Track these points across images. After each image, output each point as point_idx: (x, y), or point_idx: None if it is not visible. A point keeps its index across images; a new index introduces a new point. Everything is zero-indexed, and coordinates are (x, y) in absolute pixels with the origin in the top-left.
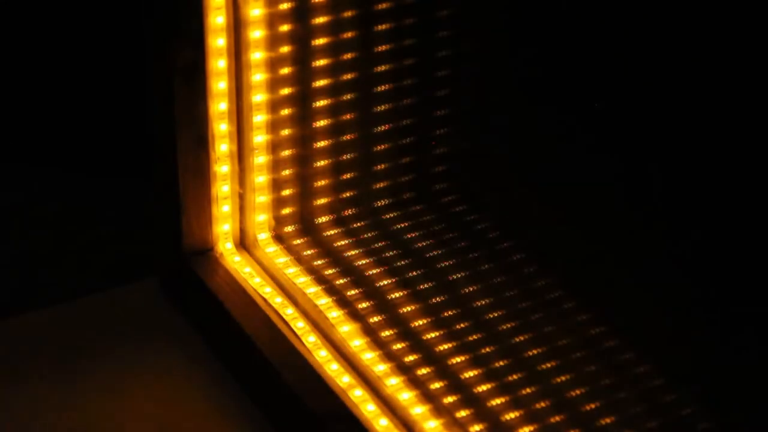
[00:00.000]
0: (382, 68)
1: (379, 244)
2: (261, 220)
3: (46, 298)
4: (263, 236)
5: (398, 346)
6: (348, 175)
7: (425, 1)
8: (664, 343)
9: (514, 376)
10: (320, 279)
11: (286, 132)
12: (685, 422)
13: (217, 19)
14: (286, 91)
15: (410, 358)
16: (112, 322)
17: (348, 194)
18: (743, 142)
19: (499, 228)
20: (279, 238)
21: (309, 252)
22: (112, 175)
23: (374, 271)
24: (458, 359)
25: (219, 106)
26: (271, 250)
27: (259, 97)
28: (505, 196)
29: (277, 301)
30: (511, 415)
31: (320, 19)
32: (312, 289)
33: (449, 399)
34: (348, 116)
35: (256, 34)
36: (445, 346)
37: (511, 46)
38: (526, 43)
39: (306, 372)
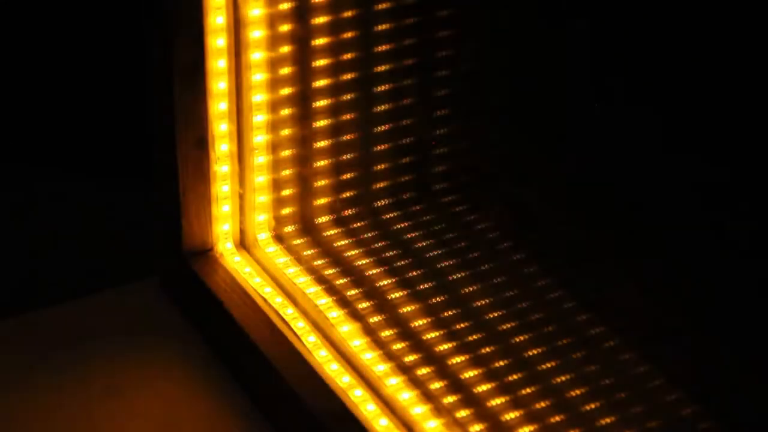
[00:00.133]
0: (382, 68)
1: (379, 244)
2: (261, 220)
3: (46, 298)
4: (263, 236)
5: (398, 346)
6: (348, 175)
7: (425, 1)
8: (664, 343)
9: (514, 376)
10: (320, 279)
11: (286, 132)
12: (685, 422)
13: (217, 19)
14: (286, 91)
15: (410, 358)
16: (112, 322)
17: (348, 194)
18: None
19: (499, 228)
20: (279, 238)
21: (309, 252)
22: (112, 175)
23: (374, 271)
24: (458, 359)
25: (219, 106)
26: (271, 250)
27: (259, 97)
28: (505, 196)
29: (277, 301)
30: (511, 415)
31: (320, 19)
32: (312, 289)
33: (449, 399)
34: (348, 116)
35: (256, 34)
36: (445, 346)
37: (511, 46)
38: (526, 44)
39: (306, 372)
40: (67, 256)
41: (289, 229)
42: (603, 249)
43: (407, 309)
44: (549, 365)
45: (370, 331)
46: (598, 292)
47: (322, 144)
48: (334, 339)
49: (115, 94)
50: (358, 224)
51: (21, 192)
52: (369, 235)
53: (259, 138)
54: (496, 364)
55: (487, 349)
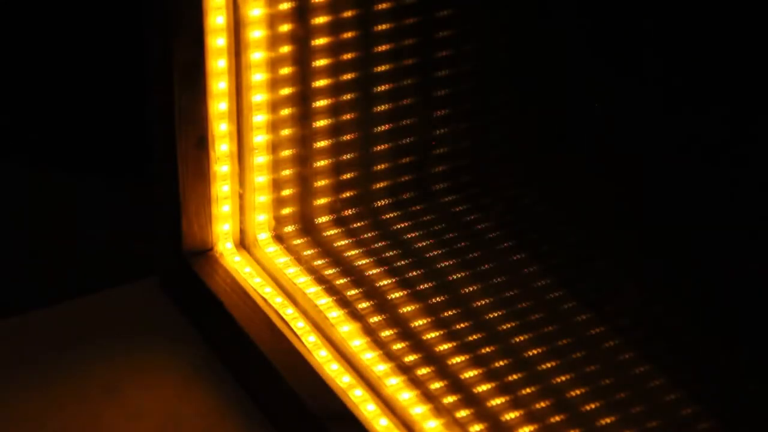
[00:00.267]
0: (382, 68)
1: (379, 244)
2: (261, 220)
3: (46, 298)
4: (263, 236)
5: (398, 346)
6: (348, 175)
7: (425, 1)
8: (664, 343)
9: (514, 376)
10: (320, 279)
11: (286, 132)
12: (685, 422)
13: (217, 19)
14: (286, 91)
15: (410, 358)
16: (112, 322)
17: (348, 194)
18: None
19: (499, 228)
20: (279, 238)
21: (309, 252)
22: (112, 175)
23: (374, 271)
24: (458, 359)
25: (219, 106)
26: (271, 250)
27: (259, 97)
28: (505, 196)
29: (277, 301)
30: (511, 415)
31: (320, 19)
32: (312, 289)
33: (449, 399)
34: (348, 116)
35: (256, 34)
36: (445, 346)
37: (511, 46)
38: (526, 43)
39: (306, 372)
40: (67, 256)
41: (289, 229)
42: (603, 249)
43: (407, 309)
44: (549, 365)
45: (370, 331)
46: (598, 292)
47: (322, 144)
48: (334, 339)
49: (115, 93)
50: (358, 224)
51: (21, 192)
52: (369, 235)
53: (259, 138)
54: (496, 364)
55: (487, 349)
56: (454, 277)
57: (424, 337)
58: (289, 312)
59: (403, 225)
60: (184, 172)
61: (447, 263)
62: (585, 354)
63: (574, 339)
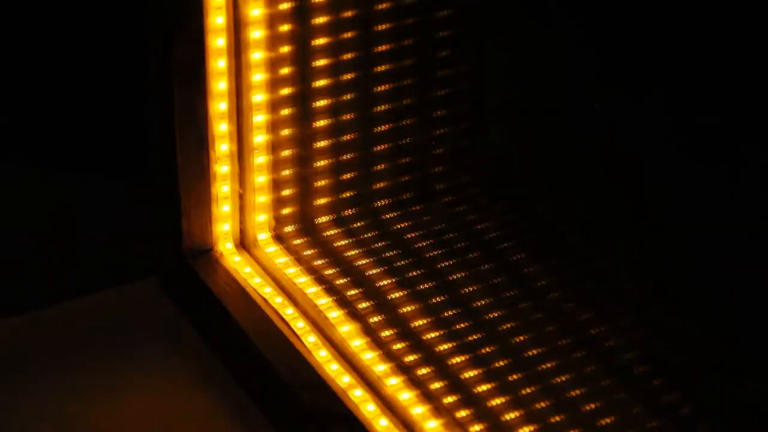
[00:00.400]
0: (382, 68)
1: (379, 244)
2: (261, 220)
3: (46, 298)
4: (263, 236)
5: (398, 346)
6: (348, 175)
7: (425, 1)
8: (664, 343)
9: (514, 376)
10: (320, 279)
11: (286, 132)
12: (685, 422)
13: (217, 19)
14: (286, 91)
15: (410, 358)
16: (112, 322)
17: (348, 194)
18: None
19: (499, 228)
20: (279, 238)
21: (309, 252)
22: (112, 175)
23: (374, 271)
24: (458, 359)
25: (219, 106)
26: (271, 250)
27: (259, 97)
28: (505, 196)
29: (277, 301)
30: (511, 415)
31: (320, 19)
32: (312, 289)
33: (449, 399)
34: (348, 116)
35: (256, 34)
36: (445, 346)
37: (511, 46)
38: (527, 43)
39: (306, 372)
40: (67, 256)
41: (289, 229)
42: (603, 249)
43: (407, 309)
44: (549, 365)
45: (370, 331)
46: (598, 292)
47: (322, 144)
48: (334, 339)
49: (115, 94)
50: (358, 224)
51: (20, 192)
52: (369, 235)
53: (259, 138)
54: (496, 364)
55: (487, 349)
56: (454, 277)
57: (424, 337)
58: (289, 312)
59: (403, 225)
60: (184, 172)
61: (447, 263)
62: (585, 354)
63: (574, 339)
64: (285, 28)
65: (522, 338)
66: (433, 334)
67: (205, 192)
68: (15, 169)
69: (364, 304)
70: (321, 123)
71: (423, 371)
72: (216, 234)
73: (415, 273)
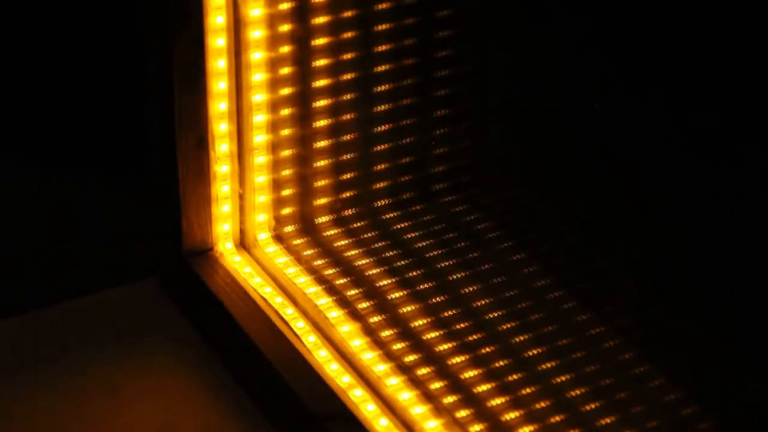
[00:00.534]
0: (382, 68)
1: (379, 244)
2: (261, 220)
3: (46, 298)
4: (263, 236)
5: (398, 346)
6: (348, 175)
7: (425, 1)
8: (664, 343)
9: (514, 376)
10: (320, 279)
11: (286, 132)
12: (685, 422)
13: (217, 19)
14: (286, 91)
15: (410, 358)
16: (112, 322)
17: (348, 194)
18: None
19: (499, 228)
20: (279, 238)
21: (309, 252)
22: (112, 175)
23: (374, 271)
24: (458, 359)
25: (219, 106)
26: (271, 250)
27: (259, 97)
28: (505, 196)
29: (277, 301)
30: (511, 415)
31: (320, 19)
32: (312, 289)
33: (449, 399)
34: (348, 116)
35: (256, 34)
36: (445, 346)
37: (511, 46)
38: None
39: (306, 372)
40: (67, 256)
41: (289, 229)
42: (603, 249)
43: (407, 309)
44: (549, 365)
45: (370, 331)
46: (598, 292)
47: (322, 144)
48: (334, 339)
49: (115, 94)
50: (358, 224)
51: (20, 192)
52: (369, 235)
53: (259, 138)
54: (496, 364)
55: (487, 349)
56: (454, 277)
57: (424, 337)
58: (289, 312)
59: (403, 225)
60: (184, 172)
61: (447, 263)
62: (585, 354)
63: (574, 339)
64: (285, 28)
65: (522, 338)
66: (433, 334)
67: (205, 192)
68: (15, 169)
69: (364, 304)
70: (321, 123)
71: (423, 371)
72: (216, 234)
73: (415, 273)
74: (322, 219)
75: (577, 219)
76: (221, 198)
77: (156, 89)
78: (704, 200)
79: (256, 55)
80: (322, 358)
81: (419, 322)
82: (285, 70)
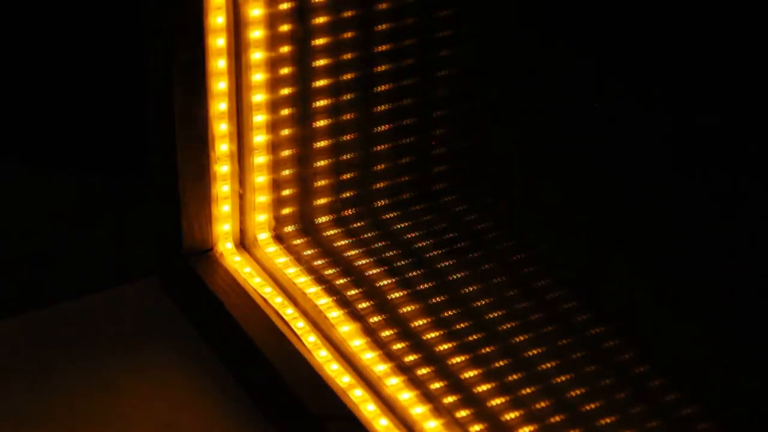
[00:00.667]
0: (382, 68)
1: (379, 244)
2: (261, 220)
3: (46, 298)
4: (263, 236)
5: (398, 346)
6: (348, 175)
7: (425, 1)
8: (664, 343)
9: (514, 376)
10: (320, 279)
11: (286, 132)
12: (685, 422)
13: (217, 19)
14: (286, 91)
15: (410, 358)
16: (112, 322)
17: (348, 194)
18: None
19: (499, 228)
20: (279, 238)
21: (309, 252)
22: (112, 175)
23: (374, 271)
24: (458, 359)
25: (219, 106)
26: (271, 250)
27: (259, 97)
28: (505, 196)
29: (277, 301)
30: (511, 415)
31: (320, 19)
32: (312, 289)
33: (449, 399)
34: (348, 116)
35: (256, 34)
36: (445, 346)
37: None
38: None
39: (306, 372)
40: (67, 255)
41: (289, 229)
42: (603, 249)
43: (407, 309)
44: (549, 365)
45: (370, 331)
46: (598, 292)
47: (322, 144)
48: (334, 339)
49: (116, 93)
50: (358, 224)
51: (20, 191)
52: (369, 235)
53: (259, 138)
54: (496, 364)
55: (487, 349)
56: (454, 277)
57: (424, 337)
58: (289, 312)
59: (403, 225)
60: (184, 172)
61: (447, 263)
62: (585, 354)
63: (574, 339)
64: (285, 28)
65: (522, 338)
66: (433, 334)
67: (205, 192)
68: (15, 169)
69: (364, 304)
70: (321, 123)
71: (423, 371)
72: (216, 234)
73: (415, 273)
74: (322, 219)
75: (577, 219)
76: (221, 198)
77: (156, 89)
78: (704, 200)
79: (256, 55)
80: (322, 358)
81: (419, 322)
82: (285, 70)
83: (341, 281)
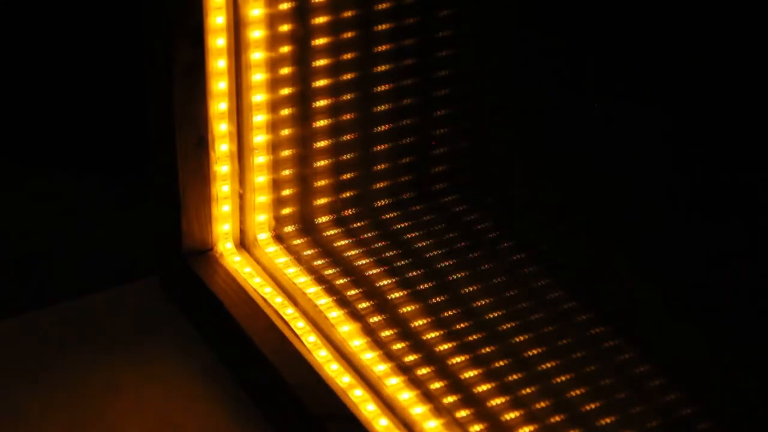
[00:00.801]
0: (382, 68)
1: (379, 244)
2: (261, 220)
3: (46, 298)
4: (263, 236)
5: (398, 346)
6: (348, 175)
7: (425, 1)
8: (664, 343)
9: (514, 376)
10: (320, 279)
11: (286, 132)
12: (685, 422)
13: (217, 19)
14: (286, 91)
15: (410, 358)
16: (112, 322)
17: (348, 194)
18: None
19: (499, 228)
20: (279, 238)
21: (309, 252)
22: (112, 175)
23: (374, 271)
24: (458, 359)
25: (219, 106)
26: (271, 250)
27: (259, 97)
28: (505, 196)
29: (277, 301)
30: (511, 415)
31: (320, 19)
32: (312, 289)
33: (449, 399)
34: (348, 116)
35: (256, 34)
36: (445, 346)
37: (511, 46)
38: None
39: (306, 372)
40: (67, 255)
41: (289, 229)
42: (603, 249)
43: (407, 309)
44: (549, 365)
45: (370, 331)
46: (598, 292)
47: (322, 144)
48: (334, 339)
49: (116, 93)
50: (358, 224)
51: (20, 191)
52: (369, 235)
53: (259, 138)
54: (496, 364)
55: (487, 349)
56: (454, 277)
57: (424, 337)
58: (289, 312)
59: (403, 225)
60: (184, 172)
61: (447, 263)
62: (585, 354)
63: (574, 339)
64: (285, 28)
65: (522, 338)
66: (433, 334)
67: (205, 192)
68: (15, 169)
69: (364, 304)
70: (321, 123)
71: (423, 371)
72: (216, 234)
73: (415, 273)
74: (322, 219)
75: (578, 219)
76: (221, 198)
77: (156, 89)
78: (704, 200)
79: (256, 55)
80: (322, 358)
81: (419, 322)
82: (285, 70)
83: (341, 281)
